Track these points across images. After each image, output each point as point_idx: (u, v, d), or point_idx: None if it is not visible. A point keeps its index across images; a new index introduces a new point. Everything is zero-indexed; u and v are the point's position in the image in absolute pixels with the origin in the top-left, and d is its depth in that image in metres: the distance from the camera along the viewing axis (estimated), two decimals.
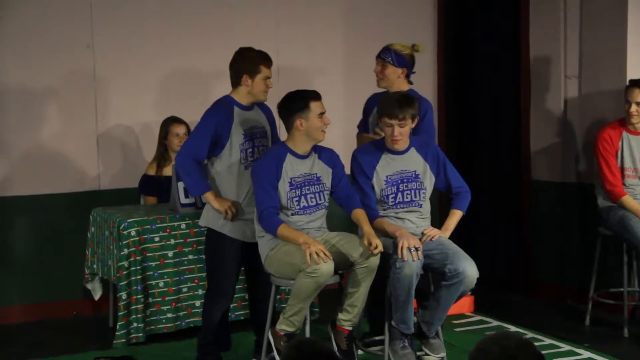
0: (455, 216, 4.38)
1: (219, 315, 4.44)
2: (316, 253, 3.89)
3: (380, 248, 4.01)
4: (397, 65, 4.55)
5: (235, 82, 4.35)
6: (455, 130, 6.80)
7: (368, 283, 4.10)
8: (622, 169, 5.14)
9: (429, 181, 4.32)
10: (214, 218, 4.35)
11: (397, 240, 4.05)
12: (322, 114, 4.13)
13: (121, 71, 5.89)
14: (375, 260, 4.04)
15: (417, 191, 4.29)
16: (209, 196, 4.31)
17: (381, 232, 4.18)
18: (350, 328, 4.21)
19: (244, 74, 4.29)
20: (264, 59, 4.33)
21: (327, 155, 4.28)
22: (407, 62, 4.58)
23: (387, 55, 4.53)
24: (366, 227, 4.11)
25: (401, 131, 4.17)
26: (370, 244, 4.00)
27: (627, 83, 5.13)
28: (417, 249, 4.02)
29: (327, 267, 3.90)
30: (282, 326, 4.12)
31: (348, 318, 4.19)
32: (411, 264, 3.99)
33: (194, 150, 4.28)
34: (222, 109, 4.31)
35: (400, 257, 4.00)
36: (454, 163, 6.49)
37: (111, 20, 5.83)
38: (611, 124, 5.20)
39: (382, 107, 4.21)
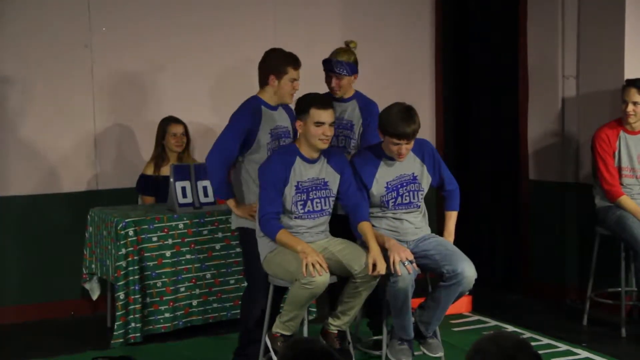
0: (453, 218, 4.40)
1: (258, 314, 4.38)
2: (312, 264, 3.87)
3: (383, 271, 3.97)
4: (350, 74, 4.60)
5: (263, 82, 4.37)
6: (453, 131, 6.81)
7: (365, 295, 4.09)
8: (620, 168, 5.14)
9: (426, 182, 4.32)
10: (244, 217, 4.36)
11: (387, 253, 4.02)
12: (320, 123, 4.07)
13: (119, 71, 5.88)
14: (375, 277, 4.01)
15: (415, 192, 4.28)
16: (230, 203, 4.33)
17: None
18: (337, 331, 4.20)
19: (271, 74, 4.32)
20: (292, 61, 4.34)
21: (335, 160, 4.24)
22: (356, 68, 4.64)
23: (341, 69, 4.57)
24: (373, 244, 4.03)
25: (408, 147, 4.15)
26: (374, 265, 3.95)
27: (624, 82, 5.13)
28: (410, 262, 4.01)
29: (322, 279, 3.88)
30: (278, 329, 4.12)
31: (338, 324, 4.18)
32: (405, 277, 3.98)
33: (225, 150, 4.27)
34: (250, 109, 4.31)
35: (393, 272, 3.98)
36: (452, 163, 6.55)
37: (109, 20, 5.83)
38: (608, 124, 5.20)
39: (387, 126, 4.11)
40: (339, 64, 4.57)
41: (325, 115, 4.09)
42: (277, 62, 4.32)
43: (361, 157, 4.33)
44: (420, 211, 4.34)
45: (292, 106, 4.37)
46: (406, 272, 3.97)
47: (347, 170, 4.24)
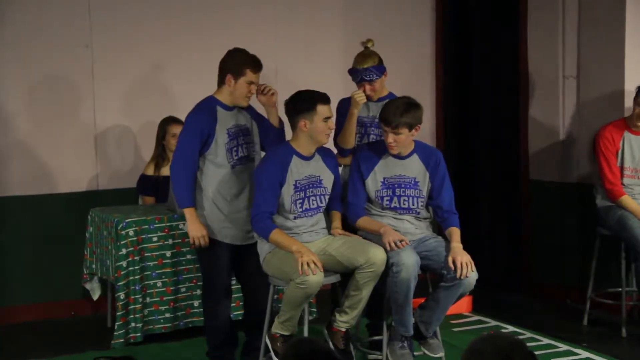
0: (458, 233, 4.26)
1: (226, 315, 4.43)
2: (307, 264, 3.88)
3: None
4: (380, 76, 4.54)
5: (220, 81, 4.32)
6: (454, 131, 6.81)
7: (371, 287, 4.09)
8: (622, 168, 5.14)
9: (427, 189, 4.30)
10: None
11: (382, 238, 4.07)
12: (327, 118, 4.11)
13: (119, 71, 5.89)
14: (381, 266, 4.02)
15: (415, 199, 4.26)
16: (188, 212, 4.24)
17: (367, 230, 4.21)
18: (345, 329, 4.20)
19: (228, 74, 4.26)
20: (251, 63, 4.26)
21: (330, 160, 4.29)
22: (384, 67, 4.57)
23: (371, 75, 4.49)
24: (335, 224, 4.29)
25: (395, 138, 4.15)
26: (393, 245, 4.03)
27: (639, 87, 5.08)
28: (401, 241, 4.05)
29: (316, 279, 3.89)
30: (277, 330, 4.13)
31: (346, 320, 4.17)
32: (408, 267, 3.98)
33: (185, 156, 4.23)
34: (204, 110, 4.27)
35: (389, 249, 4.01)
36: (453, 164, 6.53)
37: (109, 20, 5.83)
38: (613, 123, 5.19)
39: (381, 112, 4.20)
40: (367, 71, 4.49)
41: (329, 109, 4.15)
42: (237, 63, 4.25)
43: (367, 148, 4.35)
44: (421, 217, 4.32)
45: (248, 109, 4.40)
46: (409, 261, 3.97)
47: (338, 173, 4.32)
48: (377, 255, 4.01)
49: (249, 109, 4.44)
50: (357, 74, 4.52)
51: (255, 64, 4.27)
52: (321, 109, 4.09)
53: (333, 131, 4.60)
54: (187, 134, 4.25)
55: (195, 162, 4.25)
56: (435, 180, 4.28)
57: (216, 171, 4.28)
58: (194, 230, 4.24)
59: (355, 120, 4.50)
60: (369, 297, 4.14)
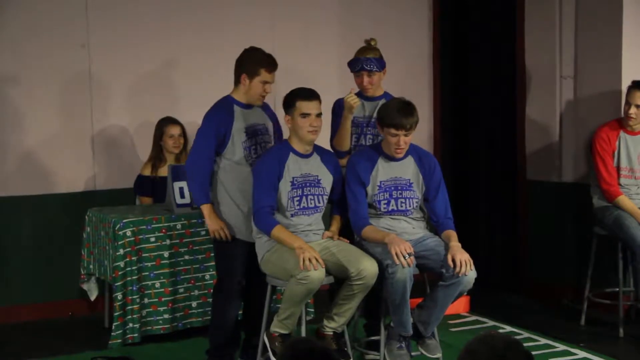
0: (455, 235, 4.25)
1: (234, 316, 4.43)
2: (309, 259, 3.89)
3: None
4: (380, 70, 4.55)
5: (236, 80, 4.36)
6: (451, 131, 6.81)
7: (360, 299, 4.10)
8: (618, 168, 5.14)
9: (420, 190, 4.30)
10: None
11: (387, 247, 4.02)
12: (306, 114, 4.11)
13: (116, 71, 5.88)
14: (371, 280, 4.01)
15: (411, 200, 4.27)
16: (205, 209, 4.30)
17: (371, 240, 4.18)
18: (332, 333, 4.20)
19: (243, 74, 4.29)
20: (266, 63, 4.29)
21: (331, 161, 4.30)
22: (384, 63, 4.58)
23: (372, 65, 4.51)
24: (332, 228, 4.32)
25: (406, 140, 4.16)
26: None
27: (630, 83, 5.10)
28: (409, 255, 3.99)
29: (317, 274, 3.89)
30: (276, 328, 4.13)
31: (333, 326, 4.18)
32: (403, 268, 3.97)
33: (201, 154, 4.27)
34: (221, 109, 4.31)
35: (396, 263, 3.95)
36: (450, 164, 6.54)
37: (107, 20, 5.83)
38: (609, 124, 5.20)
39: (385, 117, 4.15)
40: (368, 60, 4.51)
41: (310, 106, 4.13)
42: (251, 63, 4.29)
43: (360, 155, 4.34)
44: (417, 217, 4.33)
45: (262, 107, 4.41)
46: (406, 264, 3.97)
47: (339, 176, 4.31)
48: (368, 268, 3.99)
49: (266, 107, 4.47)
50: (358, 63, 4.53)
51: (269, 64, 4.31)
52: (300, 105, 4.11)
53: (330, 132, 4.62)
54: (203, 133, 4.29)
55: (211, 160, 4.28)
56: (431, 184, 4.29)
57: (236, 169, 4.30)
58: (212, 224, 4.29)
59: (350, 123, 4.51)
60: (358, 305, 4.15)
